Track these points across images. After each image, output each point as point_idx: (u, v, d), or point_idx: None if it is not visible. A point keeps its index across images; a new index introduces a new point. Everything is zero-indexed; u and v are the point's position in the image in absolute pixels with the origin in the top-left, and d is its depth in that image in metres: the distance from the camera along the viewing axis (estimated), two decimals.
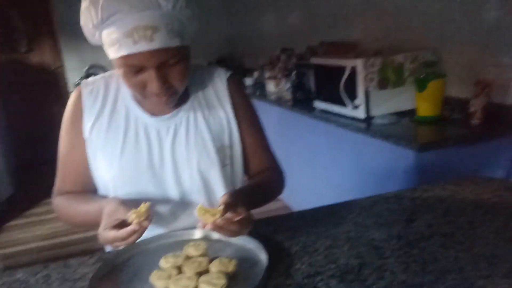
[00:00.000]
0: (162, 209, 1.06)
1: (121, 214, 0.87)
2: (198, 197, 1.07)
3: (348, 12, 3.18)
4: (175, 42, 0.90)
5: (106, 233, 0.86)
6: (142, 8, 0.87)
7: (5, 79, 5.31)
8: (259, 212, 1.04)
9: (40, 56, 5.50)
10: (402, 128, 2.12)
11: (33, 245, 3.43)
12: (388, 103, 2.34)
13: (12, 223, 3.89)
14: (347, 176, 2.52)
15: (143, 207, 0.85)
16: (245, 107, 1.15)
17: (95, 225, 0.93)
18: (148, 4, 0.87)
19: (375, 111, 2.32)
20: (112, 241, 0.86)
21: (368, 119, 2.31)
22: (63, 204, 1.08)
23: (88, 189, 1.10)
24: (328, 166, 2.74)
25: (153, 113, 1.05)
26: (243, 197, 0.91)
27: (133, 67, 0.90)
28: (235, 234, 0.87)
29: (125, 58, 0.89)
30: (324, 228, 1.03)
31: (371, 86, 2.28)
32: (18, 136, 5.45)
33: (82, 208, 1.03)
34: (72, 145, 1.07)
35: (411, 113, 2.22)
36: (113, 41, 0.89)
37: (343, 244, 0.94)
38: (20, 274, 0.95)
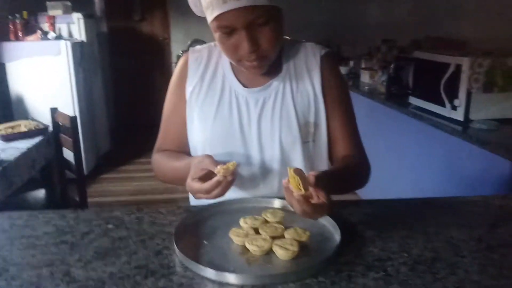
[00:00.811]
0: (245, 174, 1.11)
1: (208, 165, 0.94)
2: (278, 169, 1.10)
3: (459, 8, 2.99)
4: (263, 1, 0.92)
5: (192, 183, 0.94)
6: None
7: (119, 44, 5.79)
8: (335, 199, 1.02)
9: (151, 26, 5.91)
10: (502, 136, 1.99)
11: (121, 198, 3.77)
12: (491, 108, 2.20)
13: (106, 176, 4.29)
14: (434, 177, 2.42)
15: (231, 165, 0.91)
16: (336, 87, 1.13)
17: (184, 180, 1.01)
18: None
19: (475, 115, 2.19)
20: (196, 191, 0.94)
21: (466, 122, 2.19)
22: (159, 160, 1.18)
23: (185, 150, 1.18)
24: (415, 165, 2.65)
25: (246, 84, 1.11)
26: (328, 182, 0.89)
27: (225, 28, 0.95)
28: (306, 215, 0.86)
29: (218, 19, 0.95)
30: (402, 219, 1.02)
31: (475, 88, 2.16)
32: (120, 98, 5.95)
33: (174, 164, 1.12)
34: (175, 107, 1.17)
35: None
36: (208, 3, 0.95)
37: (419, 236, 0.93)
38: (117, 212, 1.07)
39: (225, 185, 0.91)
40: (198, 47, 1.19)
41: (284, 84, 1.10)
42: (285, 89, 1.10)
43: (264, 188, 1.12)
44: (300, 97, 1.10)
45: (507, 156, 1.77)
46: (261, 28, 0.96)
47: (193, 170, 0.97)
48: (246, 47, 0.96)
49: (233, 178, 0.91)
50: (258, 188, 1.13)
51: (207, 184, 0.91)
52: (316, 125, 1.11)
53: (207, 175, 0.94)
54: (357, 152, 1.15)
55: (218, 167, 0.91)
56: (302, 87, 1.10)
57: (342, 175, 1.05)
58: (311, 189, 0.85)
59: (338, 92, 1.13)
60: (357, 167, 1.14)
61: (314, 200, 0.85)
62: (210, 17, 0.97)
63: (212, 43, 1.17)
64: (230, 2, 0.91)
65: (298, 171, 0.84)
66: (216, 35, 1.00)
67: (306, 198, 0.84)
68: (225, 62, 1.13)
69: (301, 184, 0.83)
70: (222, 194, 0.93)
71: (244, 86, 1.11)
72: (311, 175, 0.84)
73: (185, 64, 1.15)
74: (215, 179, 0.90)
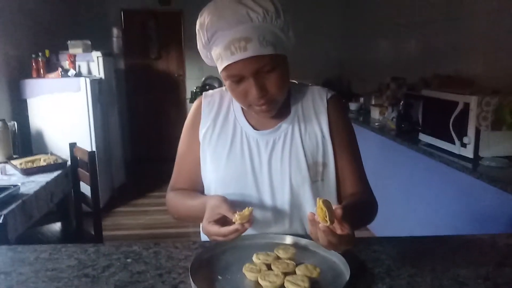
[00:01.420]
0: (256, 214, 1.14)
1: (223, 210, 0.99)
2: (289, 209, 1.14)
3: (468, 46, 3.07)
4: (268, 51, 0.99)
5: (209, 227, 0.99)
6: (237, 23, 1.00)
7: (135, 81, 5.98)
8: None
9: (166, 64, 6.11)
10: None
11: (134, 232, 3.81)
12: (500, 146, 2.23)
13: (120, 209, 4.35)
14: (444, 214, 2.42)
15: (246, 211, 0.96)
16: (342, 128, 1.18)
17: (198, 218, 1.06)
18: (241, 19, 1.00)
19: (485, 152, 2.22)
20: (213, 235, 0.98)
21: (476, 159, 2.22)
22: (173, 198, 1.23)
23: (198, 188, 1.24)
24: (425, 201, 2.66)
25: (257, 127, 1.17)
26: (350, 214, 0.92)
27: (234, 77, 1.03)
28: (332, 246, 0.88)
29: (227, 69, 1.02)
30: (410, 256, 1.05)
31: (484, 126, 2.20)
32: (136, 133, 6.09)
33: (188, 203, 1.17)
34: (188, 147, 1.23)
35: None
36: (217, 56, 1.03)
37: (427, 274, 0.96)
38: (135, 247, 1.12)
39: (242, 231, 0.95)
40: (210, 91, 1.27)
41: (293, 126, 1.16)
42: (293, 131, 1.15)
43: (275, 227, 1.16)
44: (308, 138, 1.15)
45: None
46: (268, 75, 1.03)
47: (209, 213, 1.01)
48: (255, 93, 1.02)
49: (250, 223, 0.95)
50: (270, 227, 1.16)
51: (225, 230, 0.95)
52: (325, 164, 1.15)
53: (223, 218, 0.99)
54: (364, 189, 1.19)
55: (236, 215, 0.95)
56: (310, 128, 1.16)
57: (357, 210, 1.08)
58: (336, 221, 0.88)
59: (345, 133, 1.18)
60: (367, 203, 1.17)
61: (339, 232, 0.88)
62: (220, 67, 1.05)
63: (223, 88, 1.25)
64: (238, 54, 0.98)
65: (326, 203, 0.87)
66: (227, 83, 1.07)
67: (331, 230, 0.87)
68: (237, 106, 1.19)
69: (327, 216, 0.86)
70: (238, 237, 0.97)
71: (255, 129, 1.17)
72: (338, 207, 0.88)
73: (199, 108, 1.23)
74: (233, 227, 0.94)
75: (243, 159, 1.15)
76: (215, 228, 0.97)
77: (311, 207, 1.12)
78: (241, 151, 1.15)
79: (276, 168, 1.14)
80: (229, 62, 1.00)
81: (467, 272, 0.96)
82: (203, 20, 1.04)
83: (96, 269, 1.00)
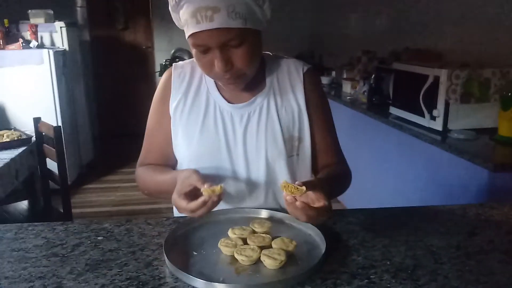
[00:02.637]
0: (231, 189, 1.13)
1: (193, 180, 0.95)
2: (264, 183, 1.13)
3: (438, 20, 3.09)
4: (236, 24, 0.93)
5: (179, 200, 0.95)
6: None
7: (101, 53, 5.77)
8: None
9: (134, 35, 5.91)
10: (479, 146, 2.06)
11: (105, 209, 3.74)
12: (468, 118, 2.27)
13: (89, 186, 4.25)
14: (414, 186, 2.48)
15: (217, 189, 0.91)
16: (318, 102, 1.17)
17: (169, 193, 1.02)
18: None
19: (453, 125, 2.26)
20: (182, 210, 0.95)
21: (445, 132, 2.26)
22: (143, 174, 1.19)
23: (169, 164, 1.20)
24: (395, 173, 2.71)
25: (231, 100, 1.13)
26: (324, 186, 0.93)
27: (200, 46, 0.98)
28: (310, 219, 0.89)
29: (192, 37, 0.97)
30: (384, 227, 1.06)
31: (453, 99, 2.23)
32: (103, 107, 5.92)
33: (159, 178, 1.13)
34: (158, 121, 1.18)
35: (491, 131, 2.15)
36: (184, 21, 0.98)
37: (400, 244, 0.97)
38: (106, 224, 1.09)
39: (210, 206, 0.92)
40: (181, 62, 1.21)
41: (269, 99, 1.13)
42: (269, 105, 1.12)
43: (250, 202, 1.15)
44: (284, 112, 1.13)
45: (484, 165, 1.83)
46: (235, 49, 0.97)
47: (179, 185, 0.97)
48: (220, 66, 0.97)
49: (218, 199, 0.92)
50: (244, 201, 1.15)
51: (193, 204, 0.91)
52: (300, 139, 1.14)
53: (193, 191, 0.95)
54: (339, 161, 1.21)
55: (205, 186, 0.92)
56: (287, 102, 1.13)
57: (333, 181, 1.10)
58: (311, 194, 0.89)
59: (321, 106, 1.17)
60: (342, 174, 1.19)
61: (316, 204, 0.88)
62: (186, 34, 0.99)
63: (194, 59, 1.20)
64: (203, 24, 0.93)
65: (285, 183, 0.89)
66: (193, 51, 1.02)
67: (309, 204, 0.88)
68: (209, 78, 1.14)
69: (297, 188, 0.87)
70: (206, 213, 0.93)
71: (229, 102, 1.13)
72: (306, 181, 0.90)
73: (168, 80, 1.17)
74: (200, 199, 0.91)
75: (217, 134, 1.11)
76: (184, 203, 0.93)
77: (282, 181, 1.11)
78: (214, 125, 1.11)
79: (251, 142, 1.11)
80: (194, 31, 0.95)
81: (439, 242, 0.98)
82: None
83: (65, 248, 0.97)
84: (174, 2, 0.99)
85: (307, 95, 1.14)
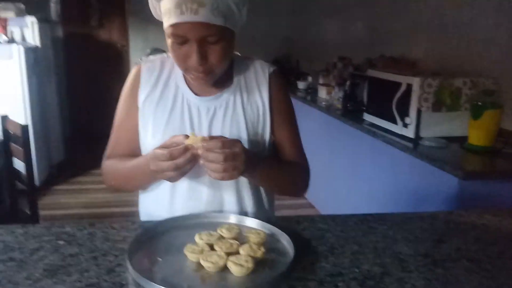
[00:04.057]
0: (193, 183, 1.13)
1: (178, 137, 0.98)
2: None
3: (411, 29, 3.14)
4: (218, 21, 0.97)
5: (157, 151, 0.96)
6: None
7: (75, 50, 5.63)
8: (289, 210, 1.07)
9: (109, 33, 5.79)
10: (450, 154, 2.09)
11: (74, 211, 3.64)
12: (439, 126, 2.31)
13: (59, 187, 4.13)
14: (386, 192, 2.50)
15: (201, 138, 0.95)
16: (281, 101, 1.20)
17: (143, 174, 1.05)
18: None
19: (425, 132, 2.29)
20: (161, 158, 0.94)
21: (417, 139, 2.29)
22: (112, 165, 1.19)
23: (136, 155, 1.18)
24: (368, 179, 2.73)
25: (198, 93, 1.15)
26: (253, 154, 1.01)
27: (178, 37, 0.99)
28: (217, 167, 0.93)
29: (173, 27, 0.98)
30: (353, 234, 1.06)
31: (425, 107, 2.27)
32: (75, 106, 5.78)
33: (130, 163, 1.13)
34: (127, 114, 1.19)
35: (462, 139, 2.18)
36: (166, 11, 0.99)
37: (369, 252, 0.97)
38: (68, 228, 1.05)
39: (189, 156, 0.94)
40: (151, 57, 1.23)
41: (235, 95, 1.16)
42: (235, 101, 1.15)
43: (212, 196, 1.14)
44: (250, 108, 1.16)
45: (454, 172, 1.86)
46: (212, 45, 1.00)
47: (153, 152, 0.99)
48: (195, 59, 1.00)
49: (197, 154, 0.95)
50: (205, 195, 1.14)
51: (175, 150, 0.94)
52: (262, 136, 1.17)
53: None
54: (300, 159, 1.23)
55: (190, 135, 0.97)
56: (252, 99, 1.16)
57: (278, 164, 1.17)
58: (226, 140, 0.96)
59: (285, 106, 1.21)
60: (297, 167, 1.21)
61: (222, 147, 0.93)
62: (166, 23, 1.01)
63: (165, 54, 1.21)
64: (187, 15, 0.95)
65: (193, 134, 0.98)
66: (169, 41, 1.03)
67: (213, 146, 0.94)
68: (178, 72, 1.17)
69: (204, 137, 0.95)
70: (184, 164, 0.94)
71: (196, 95, 1.15)
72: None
73: (138, 73, 1.18)
74: (182, 146, 0.94)
75: (183, 124, 1.13)
76: (163, 151, 0.94)
77: (246, 180, 1.14)
78: (181, 116, 1.13)
79: (215, 135, 1.11)
80: (177, 21, 0.96)
81: (407, 250, 0.98)
82: None
83: (23, 252, 0.92)
84: None
85: (272, 94, 1.18)
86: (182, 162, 0.94)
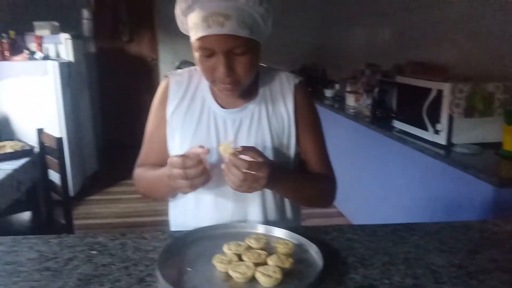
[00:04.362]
0: (218, 193, 1.15)
1: (194, 149, 1.02)
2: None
3: (440, 33, 3.08)
4: (243, 33, 0.99)
5: (174, 158, 0.99)
6: None
7: (107, 65, 5.80)
8: (318, 220, 1.07)
9: (139, 47, 5.94)
10: (484, 160, 2.04)
11: (107, 220, 3.72)
12: (472, 132, 2.25)
13: (92, 197, 4.24)
14: (417, 200, 2.45)
15: (232, 150, 0.98)
16: (307, 112, 1.20)
17: (163, 187, 1.11)
18: None
19: (457, 139, 2.24)
20: (175, 164, 0.97)
21: (449, 146, 2.24)
22: (140, 173, 1.24)
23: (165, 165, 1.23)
24: (398, 187, 2.68)
25: (224, 105, 1.17)
26: (278, 167, 1.04)
27: (206, 50, 1.01)
28: (235, 181, 0.96)
29: (200, 40, 1.01)
30: (383, 244, 1.04)
31: (456, 113, 2.21)
32: (108, 118, 5.94)
33: (154, 173, 1.17)
34: (156, 126, 1.23)
35: (496, 146, 2.12)
36: (193, 24, 1.02)
37: (400, 262, 0.95)
38: (101, 238, 1.07)
39: (201, 169, 0.97)
40: (178, 71, 1.26)
41: (260, 107, 1.17)
42: (260, 112, 1.16)
43: (239, 206, 1.16)
44: (275, 120, 1.17)
45: (489, 180, 1.81)
46: (239, 57, 1.02)
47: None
48: (222, 71, 1.02)
49: (210, 168, 0.99)
50: (233, 206, 1.15)
51: (188, 160, 0.97)
52: (288, 148, 1.17)
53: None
54: (326, 170, 1.23)
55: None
56: (277, 111, 1.17)
57: (303, 176, 1.17)
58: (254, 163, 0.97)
59: (310, 117, 1.21)
60: (323, 179, 1.21)
61: (243, 158, 0.96)
62: (193, 37, 1.03)
63: (192, 68, 1.24)
64: (214, 28, 0.98)
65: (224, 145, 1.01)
66: (196, 54, 1.05)
67: (236, 158, 0.96)
68: (205, 85, 1.19)
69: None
70: (194, 175, 0.97)
71: (222, 108, 1.17)
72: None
73: (166, 87, 1.22)
74: (196, 157, 0.98)
75: (208, 136, 1.15)
76: (178, 158, 0.97)
77: (270, 191, 1.15)
78: (207, 128, 1.16)
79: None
80: (204, 34, 0.99)
81: (440, 260, 0.96)
82: None
83: (58, 262, 0.95)
84: (187, 5, 1.02)
85: (297, 105, 1.18)
86: (192, 173, 0.97)
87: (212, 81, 1.08)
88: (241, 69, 1.04)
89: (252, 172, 0.95)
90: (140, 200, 3.98)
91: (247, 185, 0.96)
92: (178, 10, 1.07)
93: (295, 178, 1.15)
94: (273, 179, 1.00)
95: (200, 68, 1.08)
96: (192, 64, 1.27)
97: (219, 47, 1.00)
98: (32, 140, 2.76)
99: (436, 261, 0.96)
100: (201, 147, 1.02)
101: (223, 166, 0.99)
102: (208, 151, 1.01)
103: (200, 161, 0.97)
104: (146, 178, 1.21)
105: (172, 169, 0.99)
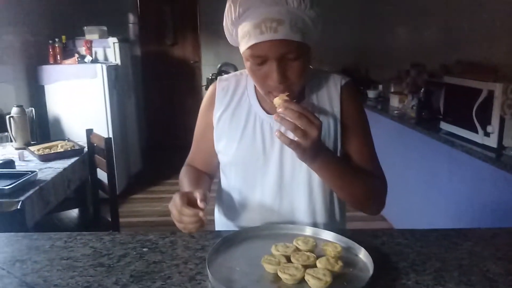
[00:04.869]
0: (265, 193, 1.16)
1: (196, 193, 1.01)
2: (304, 190, 1.15)
3: (491, 32, 2.95)
4: (296, 37, 0.97)
5: (179, 195, 1.00)
6: (271, 3, 0.98)
7: (151, 67, 5.97)
8: (360, 223, 1.04)
9: (182, 50, 6.07)
10: None
11: (150, 219, 3.82)
12: None
13: (136, 196, 4.36)
14: (466, 206, 2.36)
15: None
16: (353, 114, 1.18)
17: None
18: (276, 0, 0.97)
19: (509, 142, 2.14)
20: (175, 206, 0.98)
21: (500, 149, 2.15)
22: (184, 172, 1.28)
23: (213, 168, 1.29)
24: (445, 191, 2.60)
25: (270, 111, 1.16)
26: (333, 155, 1.07)
27: (258, 57, 1.00)
28: (289, 124, 0.92)
29: (253, 48, 1.00)
30: (435, 250, 1.01)
31: (508, 114, 2.12)
32: (152, 119, 6.10)
33: (184, 182, 1.22)
34: (203, 129, 1.26)
35: None
36: (245, 33, 1.01)
37: (453, 269, 0.92)
38: (151, 236, 1.10)
39: (195, 219, 0.96)
40: (225, 76, 1.27)
41: None
42: None
43: (281, 203, 1.16)
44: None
45: None
46: (292, 62, 1.01)
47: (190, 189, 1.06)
48: (275, 78, 1.00)
49: (205, 218, 0.96)
50: (275, 203, 1.16)
51: (185, 210, 0.96)
52: (335, 150, 1.15)
53: (192, 201, 0.99)
54: (373, 169, 1.19)
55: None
56: (324, 114, 1.15)
57: (349, 167, 1.13)
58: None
59: (357, 119, 1.18)
60: (374, 176, 1.16)
61: (304, 111, 0.93)
62: (245, 45, 1.02)
63: (238, 72, 1.25)
64: (267, 34, 0.96)
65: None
66: (248, 63, 1.05)
67: (295, 108, 0.94)
68: (251, 90, 1.20)
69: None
70: (188, 222, 0.96)
71: (268, 113, 1.16)
72: None
73: (213, 93, 1.24)
74: (195, 211, 0.96)
75: (254, 142, 1.15)
76: (180, 200, 0.98)
77: (319, 192, 1.15)
78: (253, 134, 1.16)
79: (287, 152, 1.13)
80: (257, 41, 0.98)
81: (496, 268, 0.92)
82: None
83: (111, 258, 0.99)
84: (237, 14, 1.02)
85: (343, 107, 1.16)
86: (187, 220, 0.96)
87: (267, 92, 1.07)
88: (294, 74, 1.02)
89: (304, 122, 0.92)
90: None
91: (299, 133, 0.92)
92: (228, 21, 1.06)
93: (345, 166, 1.11)
94: (322, 151, 0.99)
95: (252, 77, 1.07)
96: (233, 65, 1.27)
97: (273, 53, 0.98)
98: (81, 139, 2.87)
99: (492, 268, 0.92)
100: (200, 195, 0.99)
101: (275, 117, 0.95)
102: (206, 203, 0.98)
103: (196, 214, 0.96)
104: (181, 183, 1.25)
105: (171, 206, 1.01)
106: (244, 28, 1.01)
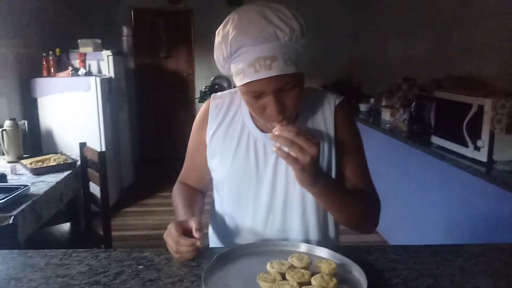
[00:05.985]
0: (261, 210, 1.17)
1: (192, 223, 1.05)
2: (298, 209, 1.17)
3: (481, 47, 3.02)
4: (291, 70, 0.98)
5: (173, 227, 1.05)
6: (263, 41, 0.97)
7: (145, 80, 5.99)
8: (354, 236, 1.05)
9: (176, 63, 6.11)
10: None
11: (142, 232, 3.81)
12: None
13: (128, 209, 4.35)
14: (456, 219, 2.39)
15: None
16: (349, 133, 1.19)
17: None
18: (268, 38, 0.97)
19: (499, 156, 2.18)
20: (168, 236, 1.03)
21: (490, 163, 2.18)
22: (176, 192, 1.30)
23: (205, 184, 1.32)
24: (437, 205, 2.62)
25: (264, 129, 1.17)
26: (329, 179, 1.07)
27: (255, 92, 1.01)
28: (288, 136, 0.93)
29: (248, 85, 1.00)
30: (427, 266, 1.02)
31: (498, 129, 2.16)
32: (145, 132, 6.10)
33: (178, 203, 1.25)
34: (196, 147, 1.27)
35: None
36: (238, 71, 1.01)
37: (445, 285, 0.93)
38: (147, 253, 1.11)
39: (192, 248, 1.01)
40: (219, 93, 1.28)
41: None
42: None
43: (276, 222, 1.17)
44: None
45: None
46: (288, 92, 1.02)
47: (185, 217, 1.10)
48: (274, 110, 1.01)
49: (200, 249, 1.03)
50: (268, 220, 1.17)
51: (183, 240, 1.01)
52: (329, 169, 1.16)
53: (187, 231, 1.04)
54: (366, 187, 1.20)
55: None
56: (318, 134, 1.16)
57: (347, 190, 1.16)
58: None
59: (351, 139, 1.20)
60: (368, 196, 1.18)
61: (301, 132, 0.94)
62: (239, 82, 1.02)
63: (233, 90, 1.26)
64: (262, 72, 0.97)
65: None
66: (244, 97, 1.06)
67: (292, 129, 0.96)
68: (245, 108, 1.19)
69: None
70: (183, 252, 1.02)
71: (262, 131, 1.17)
72: None
73: (206, 110, 1.24)
74: (193, 240, 1.01)
75: (248, 160, 1.16)
76: (176, 231, 1.02)
77: (312, 211, 1.16)
78: (246, 152, 1.17)
79: (281, 170, 1.15)
80: (253, 79, 0.98)
81: (487, 284, 0.94)
82: (226, 33, 1.01)
83: (107, 276, 0.99)
84: (228, 52, 1.01)
85: (337, 126, 1.17)
86: (183, 250, 1.02)
87: (264, 119, 1.08)
88: (291, 102, 1.03)
89: (301, 140, 0.93)
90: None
91: (296, 148, 0.93)
92: (219, 57, 1.05)
93: (344, 190, 1.14)
94: (322, 175, 1.01)
95: (250, 109, 1.08)
96: (227, 78, 1.29)
97: (269, 89, 0.99)
98: (74, 153, 2.87)
99: (483, 285, 0.94)
100: (196, 224, 1.03)
101: (271, 135, 0.96)
102: (201, 232, 1.02)
103: (193, 243, 1.00)
104: (174, 203, 1.27)
105: (167, 236, 1.04)
106: (238, 66, 1.00)
